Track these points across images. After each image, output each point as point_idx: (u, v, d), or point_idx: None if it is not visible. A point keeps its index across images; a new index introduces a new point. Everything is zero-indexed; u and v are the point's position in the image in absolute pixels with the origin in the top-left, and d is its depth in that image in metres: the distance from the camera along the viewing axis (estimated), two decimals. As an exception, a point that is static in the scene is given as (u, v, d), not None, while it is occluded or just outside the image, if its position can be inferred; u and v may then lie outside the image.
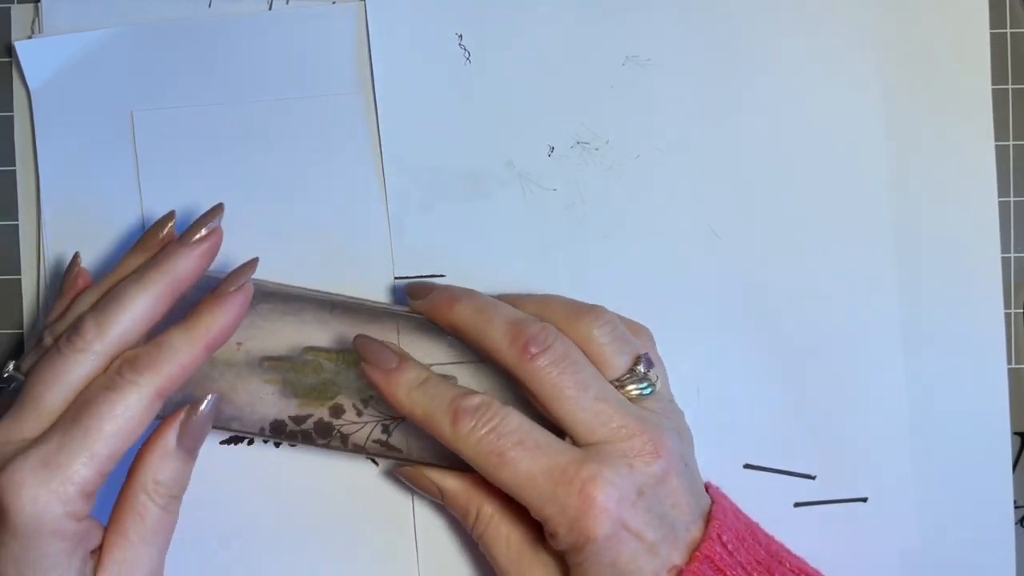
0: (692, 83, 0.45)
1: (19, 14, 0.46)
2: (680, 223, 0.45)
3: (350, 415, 0.42)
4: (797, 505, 0.44)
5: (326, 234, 0.45)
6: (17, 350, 0.47)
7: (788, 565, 0.38)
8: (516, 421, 0.37)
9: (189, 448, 0.38)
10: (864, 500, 0.44)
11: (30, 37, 0.46)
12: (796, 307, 0.45)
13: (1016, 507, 0.45)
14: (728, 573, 0.36)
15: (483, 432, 0.37)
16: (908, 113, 0.45)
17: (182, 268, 0.38)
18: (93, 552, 0.36)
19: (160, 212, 0.45)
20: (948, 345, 0.45)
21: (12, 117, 0.46)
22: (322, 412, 0.42)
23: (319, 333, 0.42)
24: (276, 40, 0.45)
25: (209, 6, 0.46)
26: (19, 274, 0.47)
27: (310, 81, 0.45)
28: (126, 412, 0.35)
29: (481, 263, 0.45)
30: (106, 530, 0.37)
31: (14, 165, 0.46)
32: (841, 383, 0.45)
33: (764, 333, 0.45)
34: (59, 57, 0.45)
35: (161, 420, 0.38)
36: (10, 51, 0.46)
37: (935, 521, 0.44)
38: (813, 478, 0.44)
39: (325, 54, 0.45)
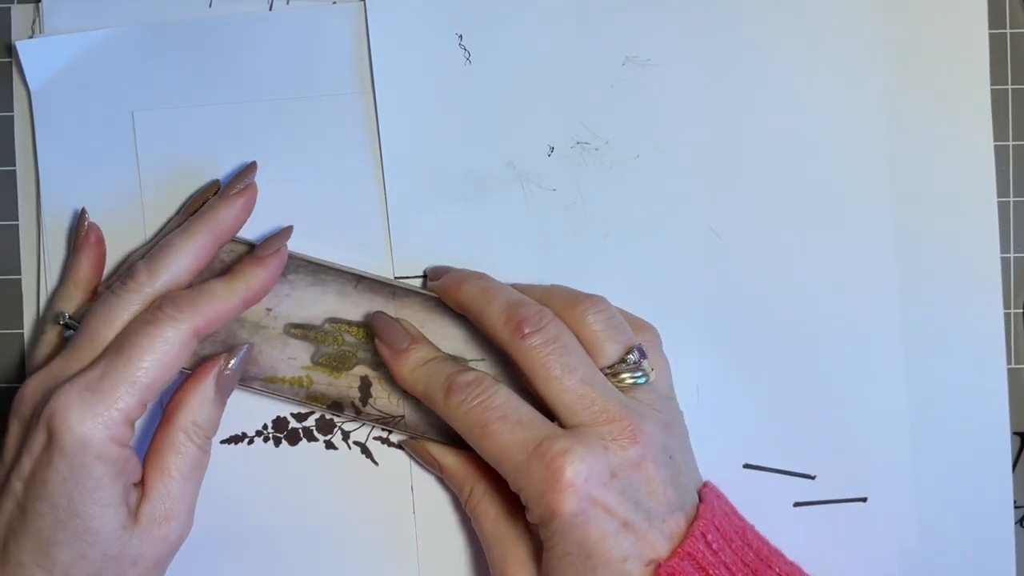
0: (692, 83, 0.45)
1: (19, 14, 0.46)
2: (680, 223, 0.45)
3: (367, 387, 0.44)
4: (797, 505, 0.44)
5: (326, 233, 0.45)
6: (17, 350, 0.47)
7: (777, 570, 0.38)
8: (503, 396, 0.38)
9: (224, 393, 0.41)
10: (864, 500, 0.44)
11: (30, 37, 0.46)
12: (796, 307, 0.45)
13: (1016, 507, 0.45)
14: (711, 572, 0.36)
15: (472, 405, 0.38)
16: (908, 113, 0.45)
17: (223, 219, 0.42)
18: (136, 485, 0.39)
19: (160, 212, 0.45)
20: (948, 345, 0.45)
21: (12, 117, 0.46)
22: (341, 382, 0.44)
23: (343, 305, 0.44)
24: (276, 40, 0.45)
25: (209, 6, 0.46)
26: (19, 274, 0.47)
27: (310, 81, 0.45)
28: (164, 345, 0.38)
29: (481, 263, 0.45)
30: (145, 467, 0.40)
31: (14, 165, 0.46)
32: (841, 383, 0.45)
33: (764, 333, 0.45)
34: (59, 57, 0.45)
35: (191, 371, 0.41)
36: (10, 51, 0.46)
37: (935, 521, 0.44)
38: (813, 478, 0.44)
39: (325, 54, 0.45)
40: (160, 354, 0.38)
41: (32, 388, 0.38)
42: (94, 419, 0.36)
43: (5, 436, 0.39)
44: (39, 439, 0.37)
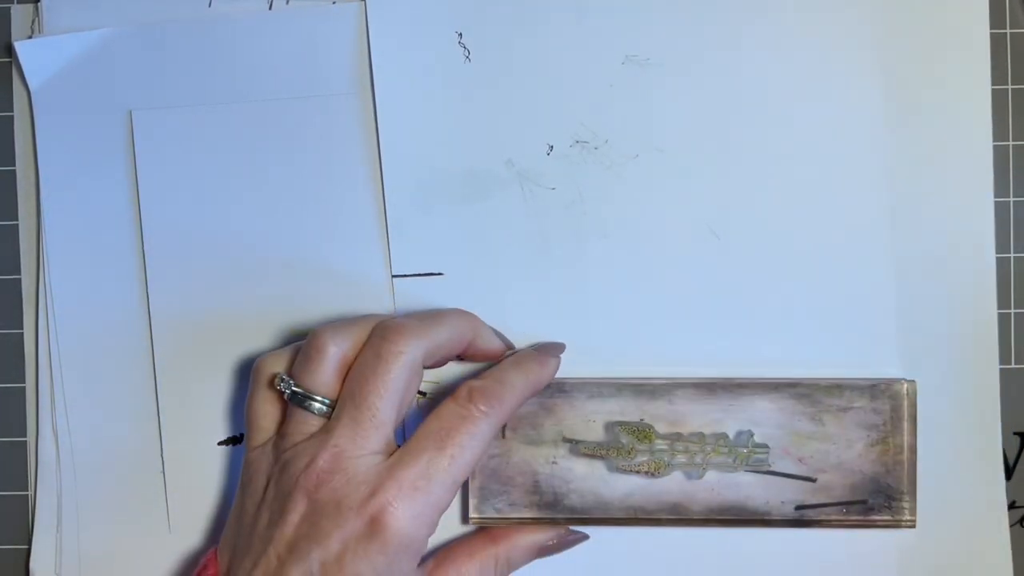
0: (692, 83, 0.45)
1: (19, 14, 0.46)
2: (679, 223, 0.45)
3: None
4: (798, 508, 0.44)
5: (325, 233, 0.45)
6: (18, 350, 0.47)
7: None
8: None
9: (541, 556, 0.44)
10: (864, 502, 0.44)
11: (30, 37, 0.46)
12: (795, 307, 0.45)
13: (1015, 507, 0.45)
14: None
15: None
16: (908, 113, 0.45)
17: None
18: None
19: (159, 212, 0.45)
20: (943, 344, 0.45)
21: (12, 117, 0.46)
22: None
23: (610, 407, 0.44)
24: (276, 40, 0.45)
25: (209, 6, 0.46)
26: (19, 274, 0.47)
27: (310, 81, 0.45)
28: (481, 443, 0.39)
29: (480, 262, 0.45)
30: (441, 555, 0.43)
31: (14, 165, 0.47)
32: (840, 382, 0.45)
33: (763, 333, 0.45)
34: (59, 57, 0.45)
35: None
36: (10, 51, 0.46)
37: (933, 521, 0.44)
38: (814, 480, 0.44)
39: (325, 54, 0.45)
40: (477, 451, 0.38)
41: (325, 467, 0.37)
42: (422, 519, 0.37)
43: (281, 504, 0.38)
44: (356, 526, 0.36)
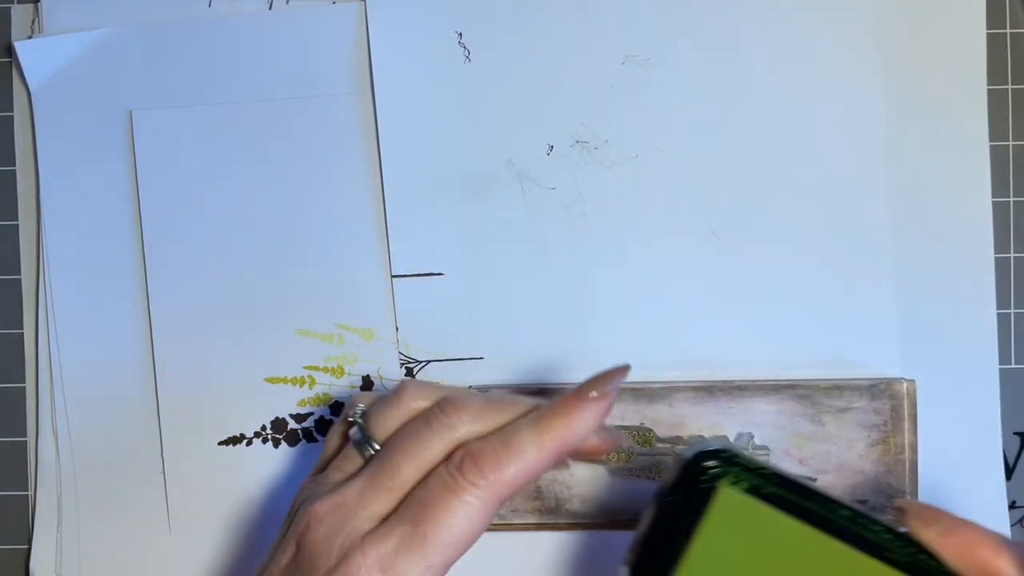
0: (692, 83, 0.45)
1: (19, 14, 0.46)
2: (679, 223, 0.45)
3: None
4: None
5: (325, 233, 0.45)
6: (18, 350, 0.47)
7: None
8: None
9: None
10: (865, 503, 0.44)
11: (30, 37, 0.46)
12: (795, 308, 0.45)
13: (1015, 507, 0.45)
14: None
15: None
16: (906, 113, 0.45)
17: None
18: None
19: (159, 212, 0.45)
20: (943, 344, 0.45)
21: (12, 117, 0.46)
22: None
23: None
24: (276, 40, 0.45)
25: (209, 6, 0.46)
26: (19, 274, 0.47)
27: (310, 81, 0.45)
28: (466, 520, 0.33)
29: (480, 262, 0.45)
30: None
31: (14, 165, 0.47)
32: (840, 383, 0.45)
33: (763, 334, 0.45)
34: (59, 57, 0.45)
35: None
36: (10, 51, 0.46)
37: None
38: (814, 480, 0.44)
39: (325, 54, 0.45)
40: (459, 531, 0.33)
41: (322, 514, 0.35)
42: None
43: (282, 541, 0.36)
44: None
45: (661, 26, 0.45)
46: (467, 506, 0.33)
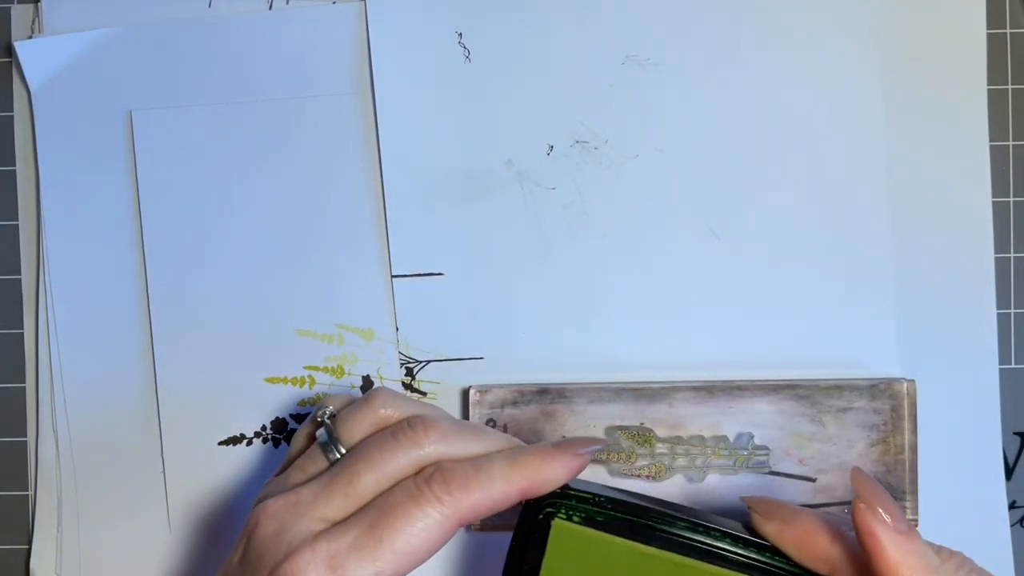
0: (692, 83, 0.45)
1: (19, 14, 0.46)
2: (679, 223, 0.45)
3: None
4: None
5: (325, 233, 0.45)
6: (18, 350, 0.46)
7: None
8: None
9: None
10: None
11: (30, 37, 0.46)
12: (794, 308, 0.45)
13: (1015, 507, 0.45)
14: None
15: None
16: (906, 113, 0.45)
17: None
18: None
19: (159, 212, 0.45)
20: (943, 344, 0.45)
21: (12, 117, 0.46)
22: None
23: None
24: (276, 40, 0.45)
25: (209, 6, 0.46)
26: (19, 274, 0.47)
27: (310, 81, 0.45)
28: (424, 531, 0.33)
29: (480, 262, 0.45)
30: None
31: (14, 165, 0.47)
32: (840, 383, 0.45)
33: (763, 334, 0.45)
34: (59, 57, 0.45)
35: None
36: (10, 51, 0.46)
37: (933, 522, 0.44)
38: (814, 480, 0.44)
39: (325, 54, 0.45)
40: (415, 542, 0.33)
41: (273, 510, 0.34)
42: None
43: (239, 538, 0.35)
44: None
45: (661, 26, 0.45)
46: (427, 518, 0.33)
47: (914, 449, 0.43)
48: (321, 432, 0.37)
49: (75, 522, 0.46)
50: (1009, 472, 0.45)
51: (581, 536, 0.32)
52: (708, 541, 0.32)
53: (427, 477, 0.34)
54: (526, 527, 0.32)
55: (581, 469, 0.35)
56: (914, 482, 0.43)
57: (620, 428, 0.43)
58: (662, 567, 0.31)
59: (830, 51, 0.45)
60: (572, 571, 0.31)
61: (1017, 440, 0.46)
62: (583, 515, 0.32)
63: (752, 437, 0.43)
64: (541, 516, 0.32)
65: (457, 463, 0.34)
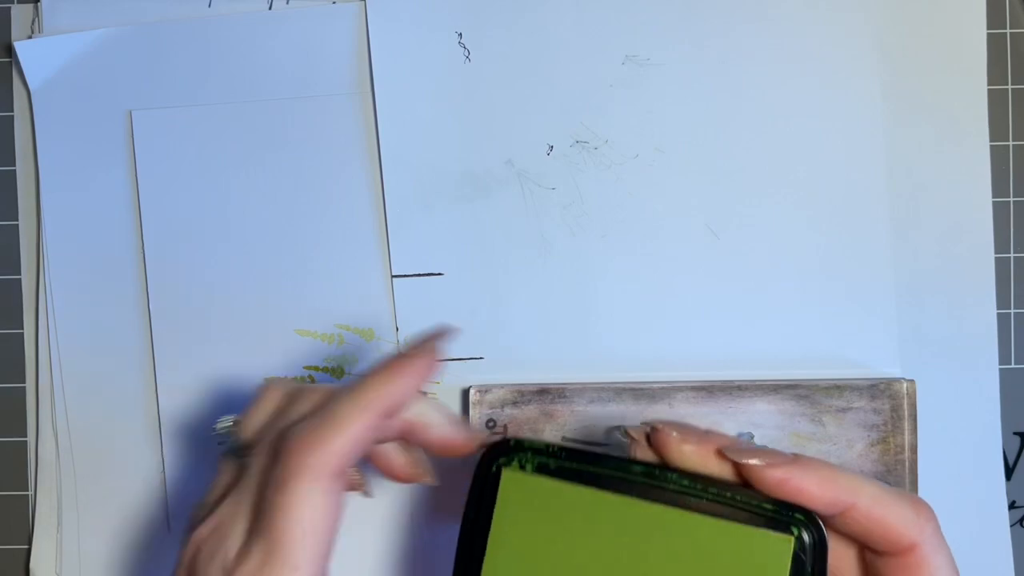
0: (692, 83, 0.45)
1: (19, 14, 0.46)
2: (678, 223, 0.45)
3: None
4: (798, 506, 0.44)
5: (325, 233, 0.45)
6: (18, 350, 0.46)
7: None
8: None
9: None
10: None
11: (30, 37, 0.46)
12: (794, 308, 0.45)
13: (1015, 507, 0.45)
14: None
15: None
16: (906, 113, 0.45)
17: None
18: None
19: (159, 212, 0.45)
20: (943, 344, 0.45)
21: (12, 117, 0.46)
22: None
23: None
24: (276, 40, 0.45)
25: (209, 6, 0.46)
26: (19, 274, 0.47)
27: (310, 81, 0.45)
28: (309, 511, 0.30)
29: (480, 262, 0.45)
30: None
31: (14, 165, 0.47)
32: (840, 383, 0.45)
33: (763, 334, 0.45)
34: (59, 57, 0.45)
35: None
36: (10, 51, 0.46)
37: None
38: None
39: (325, 54, 0.45)
40: (308, 523, 0.30)
41: (196, 537, 0.33)
42: None
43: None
44: None
45: (661, 26, 0.45)
46: (305, 496, 0.30)
47: (914, 449, 0.43)
48: (221, 444, 0.35)
49: (75, 522, 0.46)
50: (1009, 472, 0.45)
51: (534, 485, 0.32)
52: (667, 485, 0.31)
53: (277, 454, 0.31)
54: (480, 479, 0.32)
55: (432, 366, 0.33)
56: (914, 482, 0.43)
57: (620, 428, 0.43)
58: (620, 511, 0.31)
59: (830, 51, 0.45)
60: (525, 519, 0.31)
61: (1017, 440, 0.46)
62: (536, 464, 0.32)
63: (752, 437, 0.43)
64: (494, 468, 0.32)
65: (302, 423, 0.31)
